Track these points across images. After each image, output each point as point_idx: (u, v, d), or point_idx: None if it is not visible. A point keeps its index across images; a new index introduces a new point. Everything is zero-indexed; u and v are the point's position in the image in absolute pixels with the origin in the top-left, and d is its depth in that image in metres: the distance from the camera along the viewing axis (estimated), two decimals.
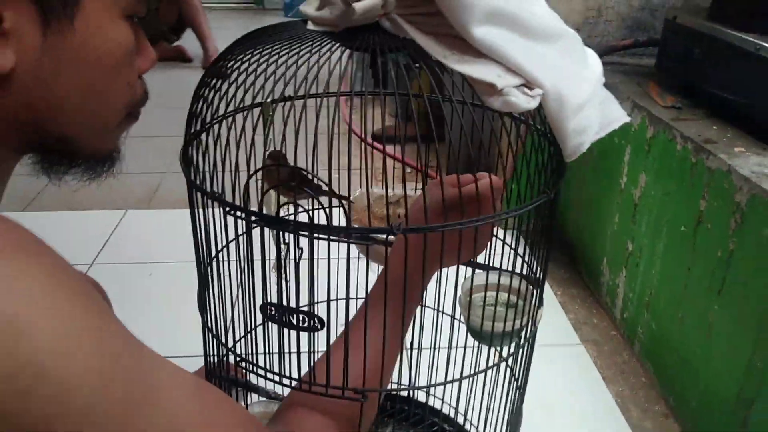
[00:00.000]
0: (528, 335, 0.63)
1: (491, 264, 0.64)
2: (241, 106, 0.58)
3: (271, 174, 0.56)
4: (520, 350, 0.64)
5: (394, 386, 0.68)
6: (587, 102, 0.52)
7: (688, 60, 1.14)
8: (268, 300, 0.52)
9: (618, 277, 1.26)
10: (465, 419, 0.79)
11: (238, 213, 0.49)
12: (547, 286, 1.39)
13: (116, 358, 0.37)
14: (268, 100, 0.52)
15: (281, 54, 0.53)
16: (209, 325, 0.60)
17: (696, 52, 1.11)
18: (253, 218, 0.49)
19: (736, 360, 0.90)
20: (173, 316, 1.20)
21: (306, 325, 0.51)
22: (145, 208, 1.87)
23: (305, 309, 0.51)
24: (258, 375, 0.56)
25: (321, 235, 0.47)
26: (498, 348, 0.63)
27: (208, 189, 0.53)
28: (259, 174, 0.52)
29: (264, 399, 0.78)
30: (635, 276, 1.19)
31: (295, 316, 0.52)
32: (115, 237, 1.67)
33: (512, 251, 0.62)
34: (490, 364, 0.59)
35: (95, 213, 1.80)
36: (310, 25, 0.57)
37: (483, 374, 0.59)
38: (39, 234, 0.39)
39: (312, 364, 0.54)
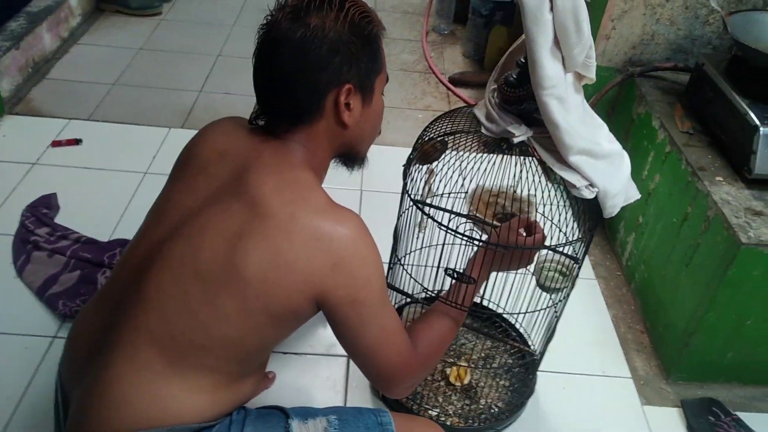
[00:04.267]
0: (568, 290, 1.21)
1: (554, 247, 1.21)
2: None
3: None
4: (562, 297, 1.22)
5: (492, 306, 1.29)
6: (618, 192, 1.05)
7: (704, 98, 1.62)
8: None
9: (629, 236, 1.81)
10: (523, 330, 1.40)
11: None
12: None
13: (381, 270, 0.92)
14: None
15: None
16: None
17: (709, 96, 1.59)
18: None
19: (687, 308, 1.48)
20: None
21: (465, 279, 1.09)
22: (181, 127, 2.29)
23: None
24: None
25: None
26: (551, 295, 1.22)
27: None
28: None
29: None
30: (640, 240, 1.74)
31: (459, 275, 1.10)
32: (162, 152, 2.16)
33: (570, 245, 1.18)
34: (546, 306, 1.17)
35: (145, 129, 2.25)
36: (483, 130, 1.09)
37: (543, 311, 1.18)
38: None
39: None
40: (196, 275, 0.87)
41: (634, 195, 1.08)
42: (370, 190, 2.01)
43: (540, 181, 1.11)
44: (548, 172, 1.17)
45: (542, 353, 1.33)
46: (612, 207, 1.05)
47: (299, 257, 0.86)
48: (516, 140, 1.03)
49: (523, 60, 1.04)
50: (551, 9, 0.91)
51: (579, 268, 1.18)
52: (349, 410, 1.00)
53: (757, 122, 1.39)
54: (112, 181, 2.00)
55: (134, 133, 2.24)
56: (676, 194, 1.56)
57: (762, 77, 1.46)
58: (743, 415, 1.46)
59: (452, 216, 1.27)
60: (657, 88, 1.80)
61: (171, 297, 0.88)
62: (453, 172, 1.15)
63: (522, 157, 1.07)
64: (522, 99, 1.04)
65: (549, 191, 1.13)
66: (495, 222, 1.27)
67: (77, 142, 2.12)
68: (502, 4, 2.75)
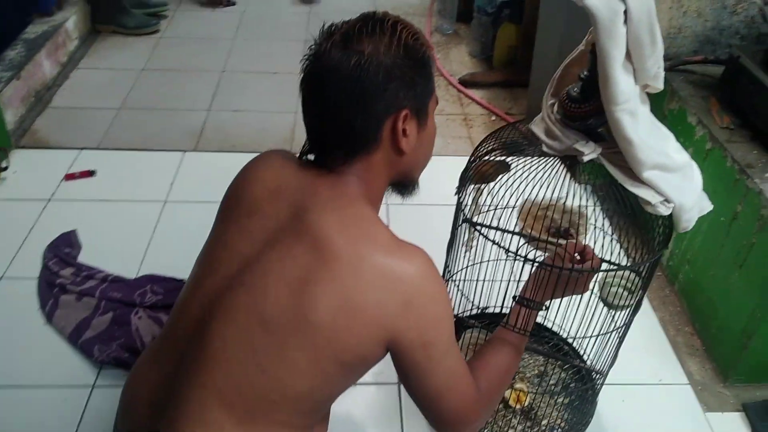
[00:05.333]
0: (632, 309, 1.16)
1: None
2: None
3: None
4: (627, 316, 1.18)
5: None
6: (693, 206, 1.00)
7: (742, 91, 1.58)
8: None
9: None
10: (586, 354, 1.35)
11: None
12: None
13: (450, 308, 0.88)
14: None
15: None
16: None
17: (749, 88, 1.55)
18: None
19: (744, 309, 1.44)
20: None
21: (539, 308, 1.04)
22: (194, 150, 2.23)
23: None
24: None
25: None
26: (616, 312, 1.17)
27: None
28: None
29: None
30: (682, 239, 1.70)
31: (528, 301, 1.05)
32: (179, 178, 2.09)
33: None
34: (610, 329, 1.13)
35: (157, 154, 2.18)
36: (545, 148, 1.04)
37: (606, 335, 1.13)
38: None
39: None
40: (263, 326, 0.82)
41: (707, 206, 1.04)
42: (394, 203, 1.97)
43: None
44: (576, 174, 1.12)
45: (605, 375, 1.29)
46: (687, 221, 1.01)
47: (369, 299, 0.81)
48: (586, 158, 0.98)
49: (586, 73, 0.99)
50: (625, 21, 0.86)
51: (645, 286, 1.13)
52: None
53: None
54: (131, 212, 1.93)
55: (147, 159, 2.18)
56: (722, 192, 1.52)
57: None
58: None
59: (505, 234, 1.23)
60: (688, 82, 1.76)
61: (238, 351, 0.83)
62: (501, 187, 1.11)
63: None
64: (588, 115, 0.99)
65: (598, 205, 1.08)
66: (550, 238, 1.23)
67: (91, 173, 2.05)
68: (509, 2, 2.70)
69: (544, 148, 1.05)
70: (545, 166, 1.02)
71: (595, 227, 1.28)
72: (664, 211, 0.98)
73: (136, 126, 2.37)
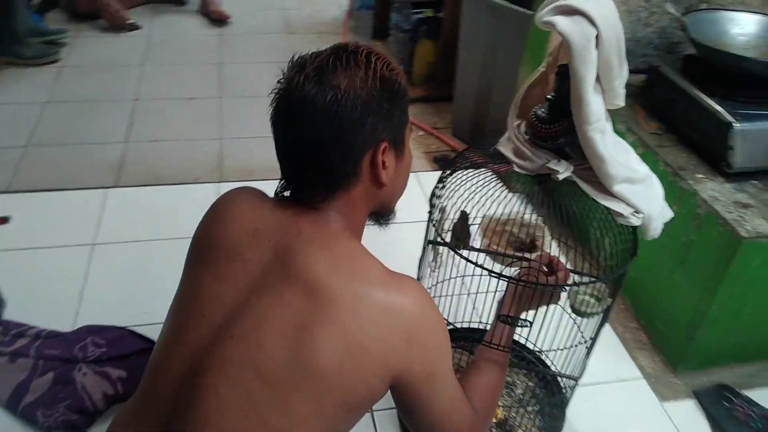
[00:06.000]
0: (600, 319, 1.20)
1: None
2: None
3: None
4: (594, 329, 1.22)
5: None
6: (659, 214, 1.05)
7: (664, 99, 1.68)
8: None
9: (605, 238, 1.85)
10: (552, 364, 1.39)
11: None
12: None
13: (448, 337, 0.87)
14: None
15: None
16: None
17: (671, 96, 1.65)
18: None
19: (688, 303, 1.53)
20: None
21: (524, 325, 1.06)
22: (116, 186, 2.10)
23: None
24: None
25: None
26: (586, 318, 1.21)
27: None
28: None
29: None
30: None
31: (513, 320, 1.06)
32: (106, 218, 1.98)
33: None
34: (577, 342, 1.16)
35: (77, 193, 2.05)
36: (516, 168, 1.06)
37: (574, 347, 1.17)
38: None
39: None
40: (261, 379, 0.78)
41: (669, 213, 1.09)
42: None
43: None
44: (508, 183, 1.17)
45: (575, 384, 1.33)
46: (655, 230, 1.06)
47: (372, 337, 0.79)
48: (561, 176, 1.00)
49: (553, 94, 1.02)
50: (596, 46, 0.89)
51: (614, 295, 1.18)
52: None
53: (731, 119, 1.46)
54: (57, 259, 1.79)
55: (66, 199, 2.03)
56: None
57: (724, 76, 1.53)
58: (746, 393, 1.54)
59: (470, 252, 1.24)
60: None
61: (234, 409, 0.78)
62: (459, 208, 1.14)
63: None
64: (558, 134, 1.02)
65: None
66: (514, 252, 1.25)
67: (4, 220, 1.89)
68: (426, 19, 2.75)
69: (516, 168, 1.07)
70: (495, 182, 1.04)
71: (552, 238, 1.32)
72: (636, 221, 1.02)
73: (47, 164, 2.20)
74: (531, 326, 1.07)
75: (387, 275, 0.84)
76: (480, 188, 1.10)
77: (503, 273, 1.08)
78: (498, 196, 1.10)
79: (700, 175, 1.53)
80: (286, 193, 0.92)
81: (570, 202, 1.08)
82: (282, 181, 0.92)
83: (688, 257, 1.52)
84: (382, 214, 0.98)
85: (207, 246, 0.91)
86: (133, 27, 3.19)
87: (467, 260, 1.03)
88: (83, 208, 1.99)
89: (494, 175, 1.16)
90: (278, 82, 0.87)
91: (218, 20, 3.34)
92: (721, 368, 1.62)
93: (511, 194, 1.12)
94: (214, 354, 0.80)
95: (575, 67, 0.90)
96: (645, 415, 1.51)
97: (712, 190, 1.48)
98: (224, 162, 2.31)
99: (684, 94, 1.60)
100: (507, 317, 1.06)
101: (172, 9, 3.50)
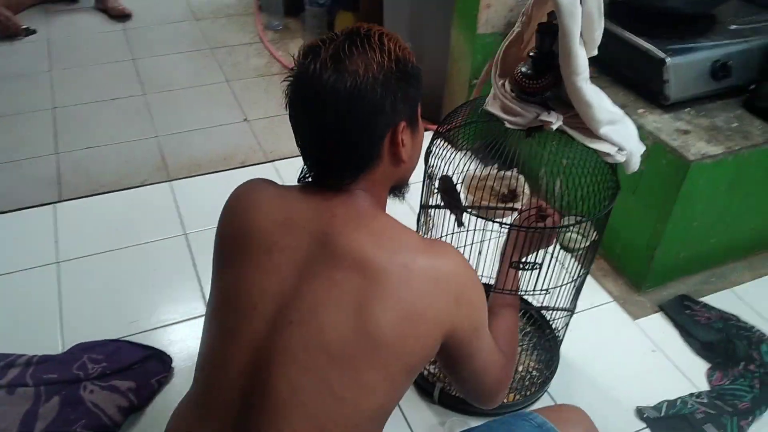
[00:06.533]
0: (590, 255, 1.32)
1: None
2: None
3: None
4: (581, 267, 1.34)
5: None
6: (636, 149, 1.17)
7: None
8: None
9: (557, 177, 1.99)
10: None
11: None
12: None
13: (484, 295, 0.94)
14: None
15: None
16: None
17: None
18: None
19: (645, 227, 1.69)
20: None
21: (535, 267, 1.15)
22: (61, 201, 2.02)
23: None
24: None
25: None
26: (574, 254, 1.33)
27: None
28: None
29: None
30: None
31: (524, 264, 1.16)
32: (62, 233, 2.04)
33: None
34: (567, 281, 1.28)
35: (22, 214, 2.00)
36: (507, 124, 1.14)
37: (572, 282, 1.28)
38: None
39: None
40: (330, 358, 0.81)
41: (642, 147, 1.21)
42: None
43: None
44: (455, 143, 1.27)
45: (567, 324, 1.46)
46: (635, 164, 1.17)
47: (425, 303, 0.84)
48: (554, 126, 1.09)
49: (536, 51, 1.10)
50: (581, 2, 0.98)
51: (602, 229, 1.28)
52: (499, 426, 1.02)
53: (663, 55, 1.61)
54: (25, 283, 1.72)
55: (14, 221, 1.94)
56: None
57: (649, 16, 1.68)
58: (701, 300, 1.74)
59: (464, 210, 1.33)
60: None
61: (309, 390, 0.81)
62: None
63: None
64: (545, 89, 1.10)
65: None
66: (499, 204, 1.34)
67: None
68: None
69: (507, 125, 1.14)
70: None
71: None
72: (621, 158, 1.13)
73: None
74: (540, 268, 1.17)
75: (424, 243, 0.89)
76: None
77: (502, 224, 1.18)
78: (451, 156, 1.19)
79: (641, 110, 1.68)
80: (308, 179, 0.95)
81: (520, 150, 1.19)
82: (305, 167, 0.94)
83: (640, 186, 1.67)
84: (399, 188, 1.02)
85: (238, 243, 0.92)
86: (29, 32, 3.00)
87: (477, 216, 1.10)
88: (36, 227, 1.90)
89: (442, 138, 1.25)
90: (291, 70, 0.88)
91: (119, 17, 3.19)
92: (675, 282, 1.81)
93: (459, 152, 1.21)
94: (277, 343, 0.83)
95: (564, 23, 0.98)
96: (622, 334, 1.67)
97: (654, 122, 1.63)
98: (167, 160, 2.26)
99: (615, 37, 1.73)
100: (518, 263, 1.14)
101: (64, 8, 3.30)
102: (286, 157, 2.27)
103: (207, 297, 1.73)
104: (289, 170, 2.15)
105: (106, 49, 2.95)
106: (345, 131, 0.85)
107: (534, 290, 1.23)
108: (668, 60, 1.60)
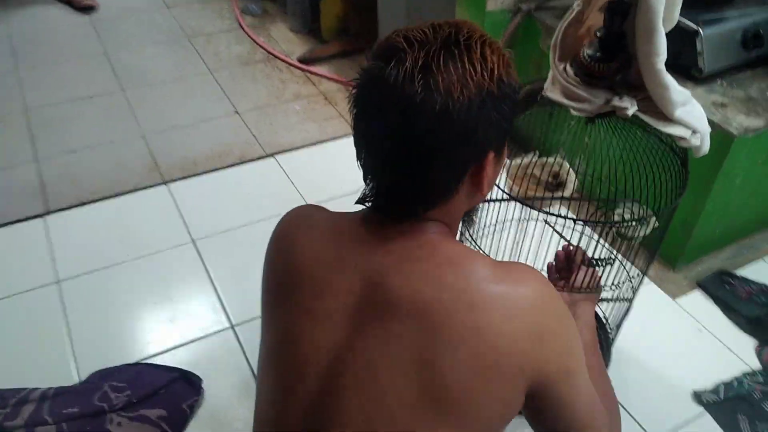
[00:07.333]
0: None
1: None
2: None
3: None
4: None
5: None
6: (707, 131, 1.09)
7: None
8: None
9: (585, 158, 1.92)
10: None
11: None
12: None
13: (575, 324, 0.77)
14: None
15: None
16: None
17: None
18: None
19: (684, 206, 1.63)
20: None
21: (610, 263, 1.08)
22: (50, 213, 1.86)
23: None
24: None
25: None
26: (633, 243, 1.26)
27: None
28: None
29: None
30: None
31: (599, 260, 1.08)
32: (57, 249, 1.90)
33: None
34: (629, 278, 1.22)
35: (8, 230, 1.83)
36: (573, 112, 1.05)
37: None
38: None
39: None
40: (393, 424, 0.70)
41: (709, 128, 1.14)
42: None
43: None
44: None
45: (619, 326, 1.40)
46: (707, 146, 1.10)
47: (500, 348, 0.69)
48: (630, 112, 1.01)
49: (604, 32, 1.01)
50: None
51: (668, 222, 1.21)
52: None
53: (695, 27, 1.53)
54: (23, 307, 1.57)
55: (3, 238, 1.77)
56: None
57: None
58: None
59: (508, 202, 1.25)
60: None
61: None
62: None
63: None
64: (616, 71, 1.01)
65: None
66: (544, 194, 1.27)
67: None
68: None
69: (573, 112, 1.05)
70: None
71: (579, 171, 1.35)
72: (696, 142, 1.05)
73: None
74: (614, 262, 1.09)
75: (497, 270, 0.74)
76: None
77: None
78: None
79: None
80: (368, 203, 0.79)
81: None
82: (367, 192, 0.78)
83: None
84: (469, 213, 0.87)
85: (287, 282, 0.80)
86: None
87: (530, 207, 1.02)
88: (26, 243, 1.75)
89: None
90: (363, 70, 0.73)
91: (84, 8, 2.98)
92: (708, 257, 1.77)
93: None
94: (330, 408, 0.72)
95: (650, 3, 0.89)
96: (665, 315, 1.62)
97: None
98: (158, 160, 2.11)
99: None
100: (595, 259, 1.07)
101: (23, 1, 3.07)
102: (286, 149, 2.14)
103: (227, 307, 1.62)
104: (293, 164, 2.02)
105: (75, 44, 2.76)
106: (424, 157, 0.71)
107: (605, 285, 1.15)
108: (702, 31, 1.53)
